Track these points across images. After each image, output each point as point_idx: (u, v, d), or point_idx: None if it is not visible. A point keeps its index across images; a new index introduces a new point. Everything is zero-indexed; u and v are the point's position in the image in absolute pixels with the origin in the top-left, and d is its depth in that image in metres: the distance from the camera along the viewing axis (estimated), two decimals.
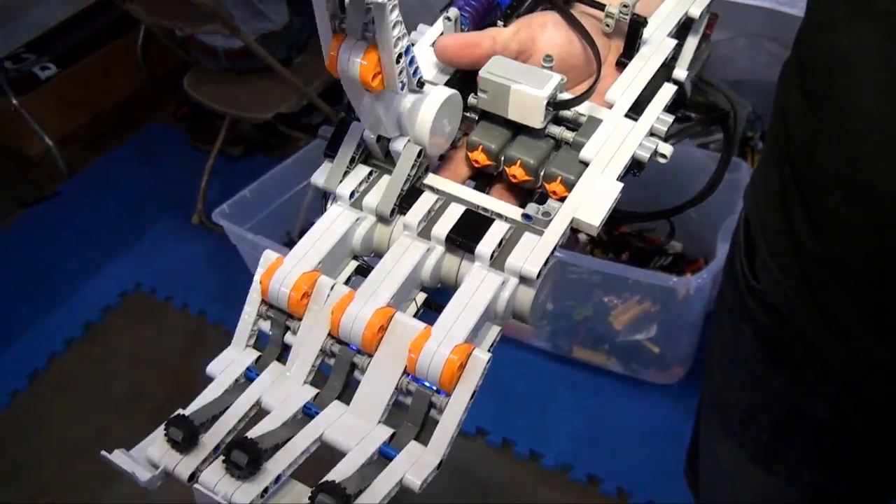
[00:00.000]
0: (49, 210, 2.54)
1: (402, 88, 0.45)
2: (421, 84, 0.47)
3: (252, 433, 0.43)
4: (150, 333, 2.13)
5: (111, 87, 2.88)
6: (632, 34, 0.55)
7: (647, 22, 0.55)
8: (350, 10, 0.41)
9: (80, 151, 2.73)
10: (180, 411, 0.44)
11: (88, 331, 2.14)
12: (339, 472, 0.42)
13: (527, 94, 0.49)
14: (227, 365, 0.48)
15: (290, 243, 2.08)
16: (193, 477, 0.42)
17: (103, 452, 0.42)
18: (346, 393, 0.46)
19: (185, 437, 0.42)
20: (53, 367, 2.07)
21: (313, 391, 0.46)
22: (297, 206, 2.09)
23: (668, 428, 1.71)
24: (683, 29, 0.59)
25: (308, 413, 0.45)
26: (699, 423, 0.94)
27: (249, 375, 0.47)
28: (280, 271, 0.48)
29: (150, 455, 0.43)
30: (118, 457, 0.42)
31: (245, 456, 0.40)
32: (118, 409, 1.96)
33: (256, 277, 0.48)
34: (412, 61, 0.45)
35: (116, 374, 2.05)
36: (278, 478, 0.42)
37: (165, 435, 0.43)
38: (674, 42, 0.57)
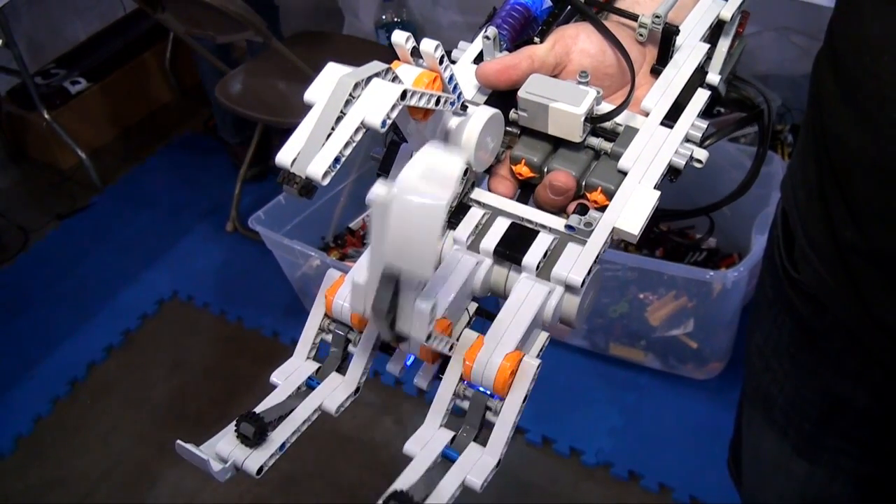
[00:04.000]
0: (84, 221, 2.57)
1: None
2: (464, 107, 0.50)
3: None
4: (188, 340, 2.16)
5: (141, 100, 2.91)
6: (665, 42, 0.57)
7: (679, 30, 0.56)
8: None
9: (113, 163, 2.76)
10: (253, 410, 0.47)
11: (127, 338, 2.17)
12: (405, 480, 0.45)
13: (565, 112, 0.51)
14: (290, 374, 0.51)
15: (325, 248, 2.10)
16: (261, 471, 0.45)
17: (179, 442, 0.45)
18: None
19: (256, 432, 0.45)
20: (93, 374, 2.10)
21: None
22: (330, 210, 2.11)
23: (708, 423, 1.72)
24: (716, 31, 0.60)
25: (310, 385, 0.50)
26: (741, 414, 0.94)
27: (311, 384, 0.50)
28: (343, 288, 0.50)
29: (219, 450, 0.46)
30: (190, 449, 0.45)
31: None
32: (158, 416, 1.99)
33: (321, 293, 0.51)
34: (456, 87, 0.47)
35: (155, 380, 2.07)
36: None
37: (236, 430, 0.45)
38: (706, 46, 0.59)
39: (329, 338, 0.52)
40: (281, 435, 0.46)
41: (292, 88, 2.11)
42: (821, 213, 0.63)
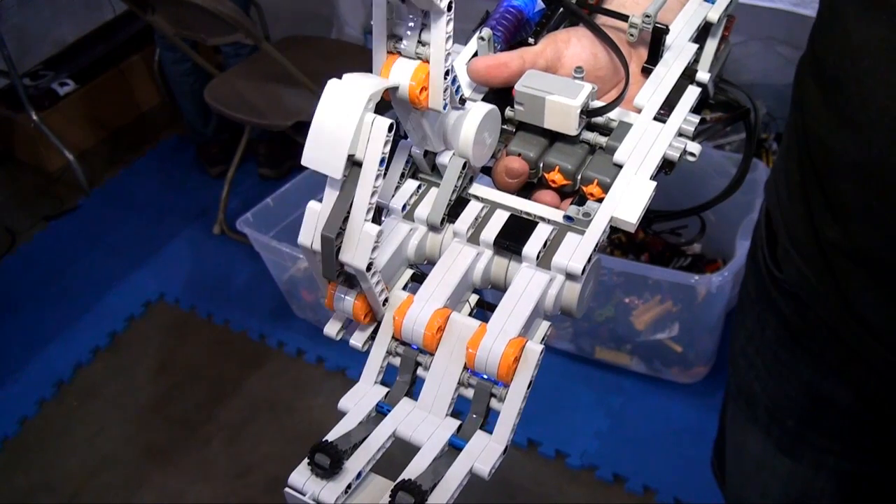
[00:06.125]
0: (71, 223, 2.57)
1: (445, 107, 0.48)
2: (462, 101, 0.51)
3: (331, 435, 0.46)
4: (174, 343, 2.16)
5: (129, 102, 2.92)
6: (655, 42, 0.58)
7: (668, 30, 0.58)
8: (407, 14, 0.45)
9: (100, 165, 2.76)
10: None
11: (113, 340, 2.17)
12: (414, 469, 0.45)
13: (561, 104, 0.52)
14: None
15: None
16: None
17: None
18: (413, 389, 0.50)
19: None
20: (79, 376, 2.09)
21: (384, 390, 0.50)
22: None
23: (692, 426, 1.74)
24: (703, 33, 0.62)
25: (381, 411, 0.49)
26: (725, 414, 0.95)
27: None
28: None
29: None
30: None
31: (327, 458, 0.43)
32: (144, 418, 1.99)
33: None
34: (454, 80, 0.48)
35: (142, 382, 2.07)
36: (359, 474, 0.45)
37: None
38: (695, 46, 0.60)
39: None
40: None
41: (280, 91, 2.11)
42: (803, 212, 0.65)
